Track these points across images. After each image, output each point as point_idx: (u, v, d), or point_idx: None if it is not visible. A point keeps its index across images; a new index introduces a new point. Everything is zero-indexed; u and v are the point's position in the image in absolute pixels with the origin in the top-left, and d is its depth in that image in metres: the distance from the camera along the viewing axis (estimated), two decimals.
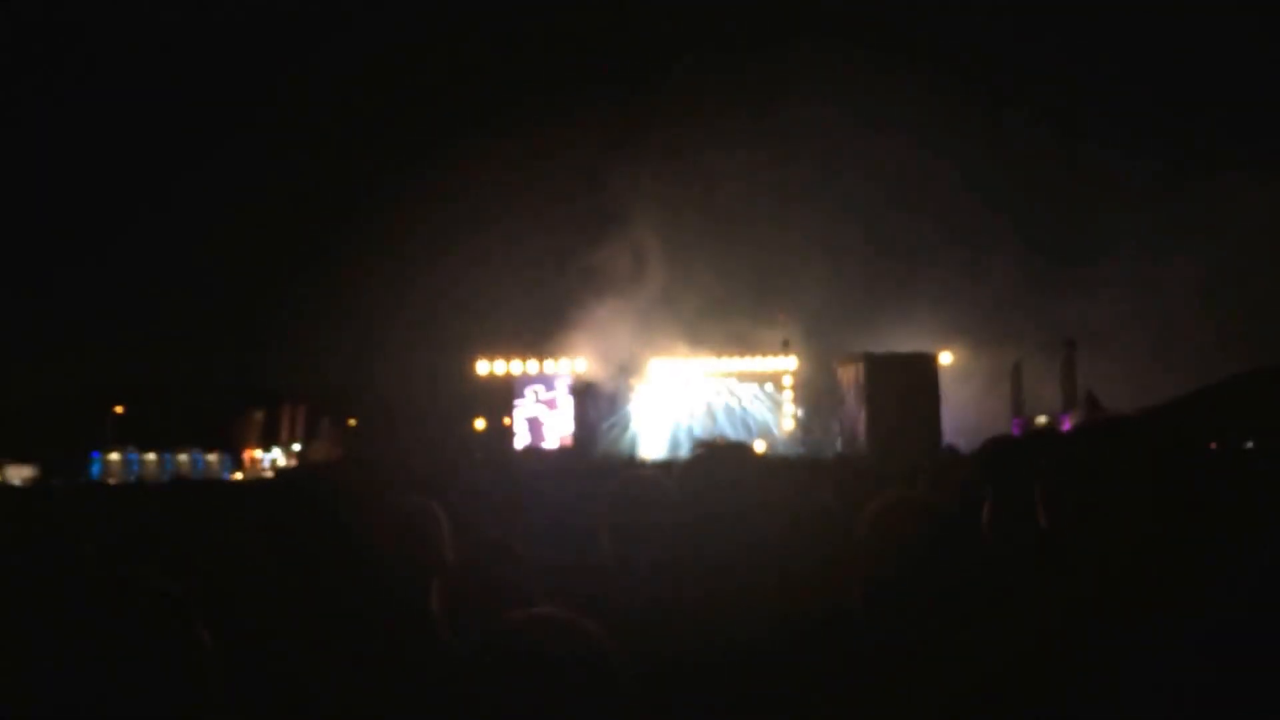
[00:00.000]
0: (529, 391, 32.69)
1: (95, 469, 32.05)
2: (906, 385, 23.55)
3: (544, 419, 32.57)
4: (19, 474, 29.86)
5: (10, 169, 35.39)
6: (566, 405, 31.97)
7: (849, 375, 25.34)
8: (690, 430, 31.62)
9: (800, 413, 30.35)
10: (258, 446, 35.50)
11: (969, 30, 38.40)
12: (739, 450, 2.27)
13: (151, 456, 33.62)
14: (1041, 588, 1.43)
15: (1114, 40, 36.81)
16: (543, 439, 32.30)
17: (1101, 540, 1.32)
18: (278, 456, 34.58)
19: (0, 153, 35.71)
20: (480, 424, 34.09)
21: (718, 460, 2.14)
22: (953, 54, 37.99)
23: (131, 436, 34.55)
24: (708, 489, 2.05)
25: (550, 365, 32.82)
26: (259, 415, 36.13)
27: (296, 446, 35.02)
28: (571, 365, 31.90)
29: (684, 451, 26.94)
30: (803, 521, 2.27)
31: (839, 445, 25.84)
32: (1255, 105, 33.33)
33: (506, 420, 32.73)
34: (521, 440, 32.25)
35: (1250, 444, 15.73)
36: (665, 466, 8.81)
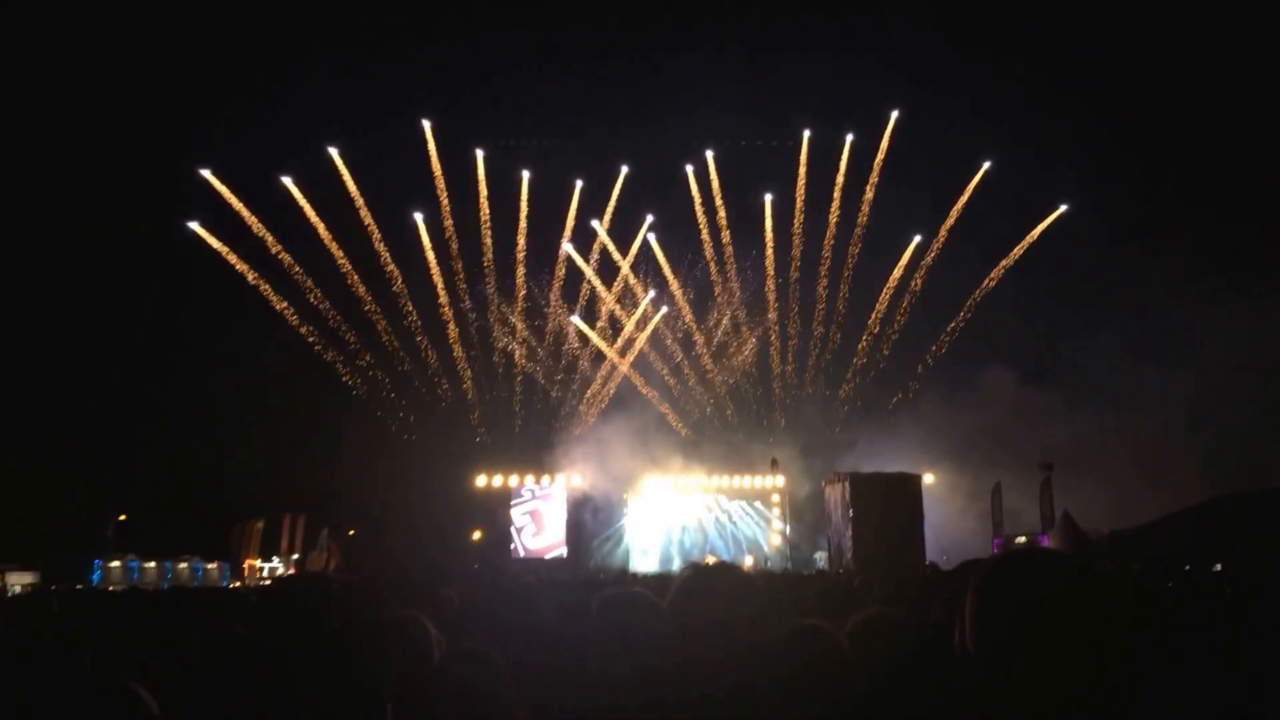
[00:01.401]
0: (525, 491, 33.66)
1: (96, 576, 32.23)
2: (890, 504, 24.12)
3: (542, 510, 33.46)
4: (20, 580, 29.99)
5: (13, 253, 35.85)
6: (561, 501, 32.77)
7: (835, 493, 25.83)
8: (681, 544, 31.99)
9: (788, 529, 30.64)
10: (257, 556, 35.70)
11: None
12: (728, 571, 2.36)
13: (152, 564, 33.79)
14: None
15: (1080, 166, 37.93)
16: (542, 529, 33.09)
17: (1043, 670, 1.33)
18: (277, 566, 34.73)
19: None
20: (477, 535, 34.40)
21: (708, 581, 2.26)
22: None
23: (132, 544, 34.72)
24: (699, 609, 2.16)
25: (546, 481, 33.61)
26: (258, 525, 36.32)
27: (295, 556, 35.23)
28: (567, 480, 32.51)
29: (675, 566, 27.32)
30: (788, 637, 2.33)
31: (825, 561, 26.26)
32: (1230, 234, 34.09)
33: (504, 523, 33.42)
34: (525, 534, 33.03)
35: (1219, 566, 16.23)
36: (657, 581, 9.02)
